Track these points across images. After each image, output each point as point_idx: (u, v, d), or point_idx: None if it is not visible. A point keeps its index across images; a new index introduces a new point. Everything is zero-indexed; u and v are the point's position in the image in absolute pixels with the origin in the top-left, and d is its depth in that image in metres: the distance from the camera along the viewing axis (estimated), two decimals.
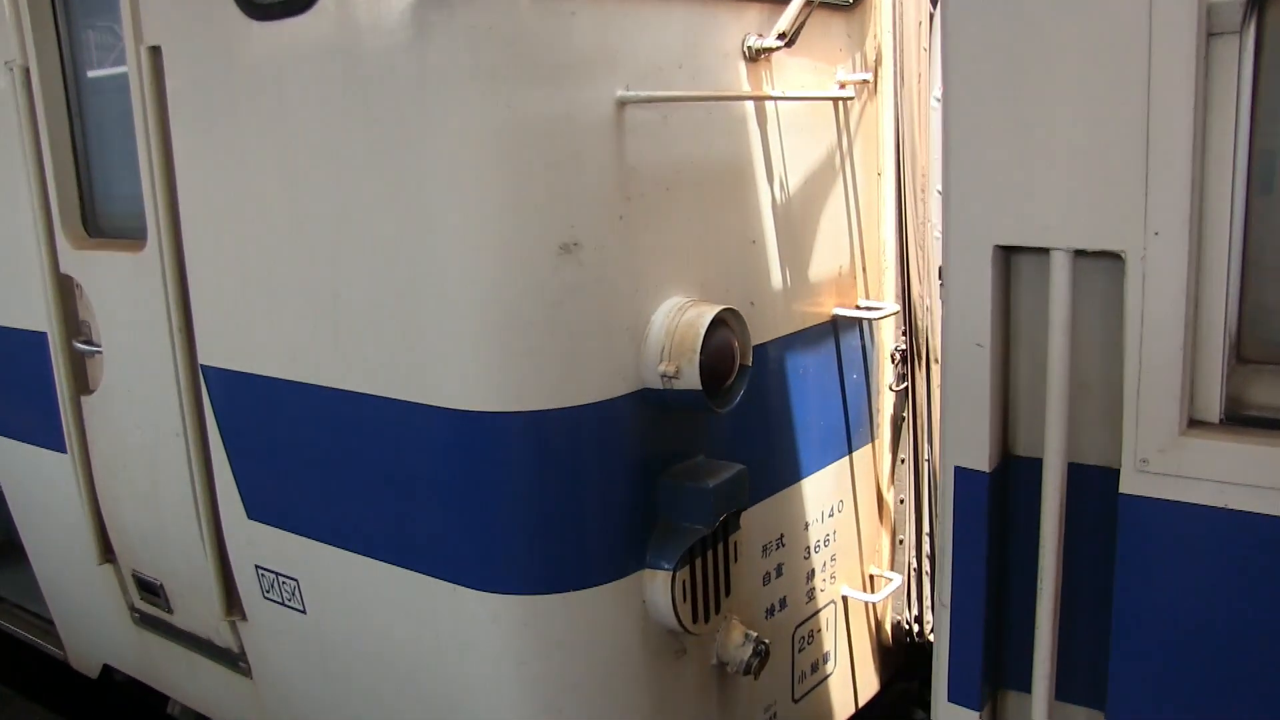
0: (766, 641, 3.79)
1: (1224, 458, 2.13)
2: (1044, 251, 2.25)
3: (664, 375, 3.31)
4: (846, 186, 4.09)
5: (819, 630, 4.34)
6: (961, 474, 2.44)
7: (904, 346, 4.31)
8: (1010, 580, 2.51)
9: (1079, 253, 2.21)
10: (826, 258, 4.06)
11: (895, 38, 4.02)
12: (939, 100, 4.01)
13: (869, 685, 4.69)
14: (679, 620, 3.47)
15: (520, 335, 3.16)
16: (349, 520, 3.65)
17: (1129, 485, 2.22)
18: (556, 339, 3.20)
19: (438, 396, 3.26)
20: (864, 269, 4.24)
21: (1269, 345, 2.19)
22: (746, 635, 3.79)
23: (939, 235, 4.12)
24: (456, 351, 3.21)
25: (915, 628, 4.56)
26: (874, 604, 4.58)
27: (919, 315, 4.19)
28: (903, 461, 4.45)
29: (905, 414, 4.41)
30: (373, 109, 3.17)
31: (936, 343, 4.19)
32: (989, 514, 2.43)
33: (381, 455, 3.47)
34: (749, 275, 3.74)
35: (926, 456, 4.32)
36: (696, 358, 3.28)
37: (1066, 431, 2.29)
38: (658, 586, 3.47)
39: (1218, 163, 2.09)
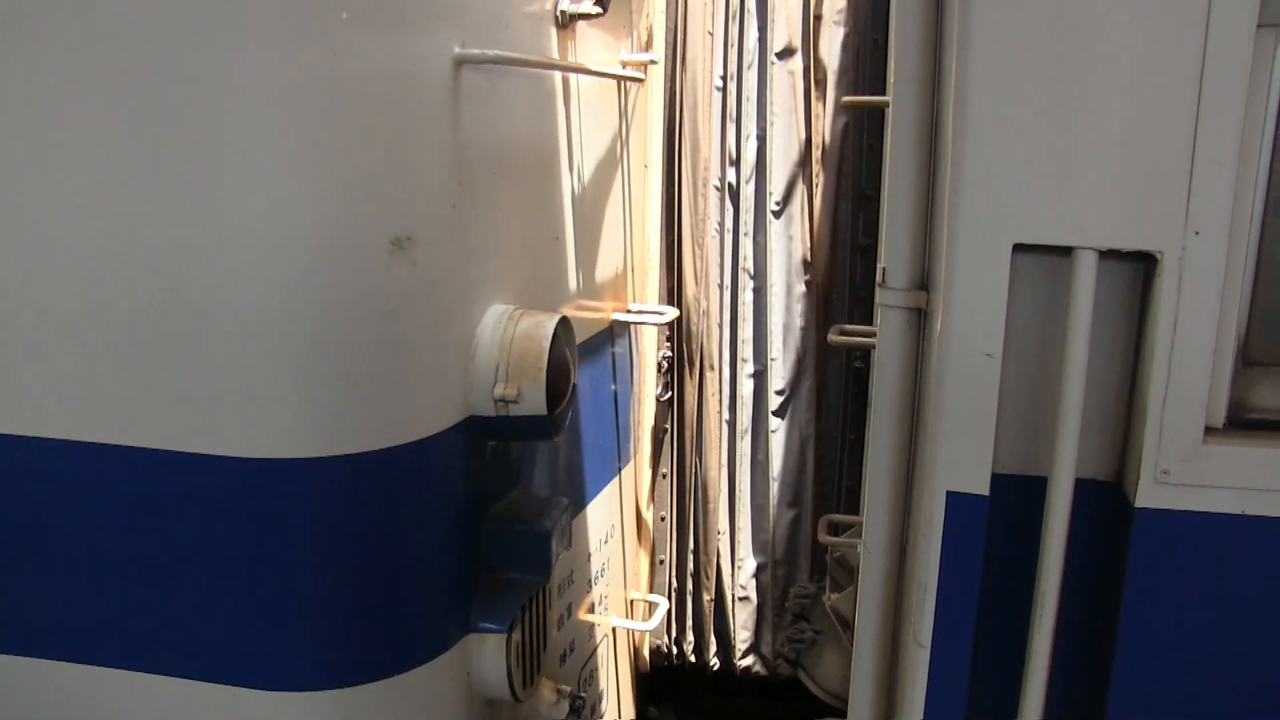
0: (582, 695, 3.32)
1: (1243, 464, 2.06)
2: (1063, 252, 2.06)
3: (501, 399, 2.74)
4: (624, 178, 3.71)
5: (596, 668, 3.93)
6: (955, 499, 2.19)
7: (670, 354, 4.02)
8: (989, 610, 2.30)
9: (1104, 253, 2.04)
10: (609, 258, 3.66)
11: (675, 18, 3.70)
12: (719, 88, 3.76)
13: (628, 715, 4.35)
14: (512, 688, 2.90)
15: (344, 355, 2.43)
16: (52, 618, 2.63)
17: (1147, 498, 2.09)
18: (384, 359, 2.50)
19: (213, 442, 2.43)
20: (633, 270, 3.89)
21: (1274, 346, 2.16)
22: (559, 692, 3.29)
23: (715, 232, 3.88)
24: (249, 380, 2.40)
25: (675, 650, 4.30)
26: (636, 632, 4.25)
27: (693, 320, 3.92)
28: (664, 476, 4.16)
29: (667, 426, 4.12)
30: (126, 53, 2.26)
31: (712, 349, 3.94)
32: (986, 542, 2.20)
33: (113, 525, 2.53)
34: (553, 277, 3.24)
35: (696, 470, 4.06)
36: (542, 377, 2.74)
37: (1078, 446, 2.11)
38: (488, 653, 2.87)
39: (1245, 158, 2.01)
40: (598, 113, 3.44)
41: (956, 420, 2.15)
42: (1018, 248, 2.08)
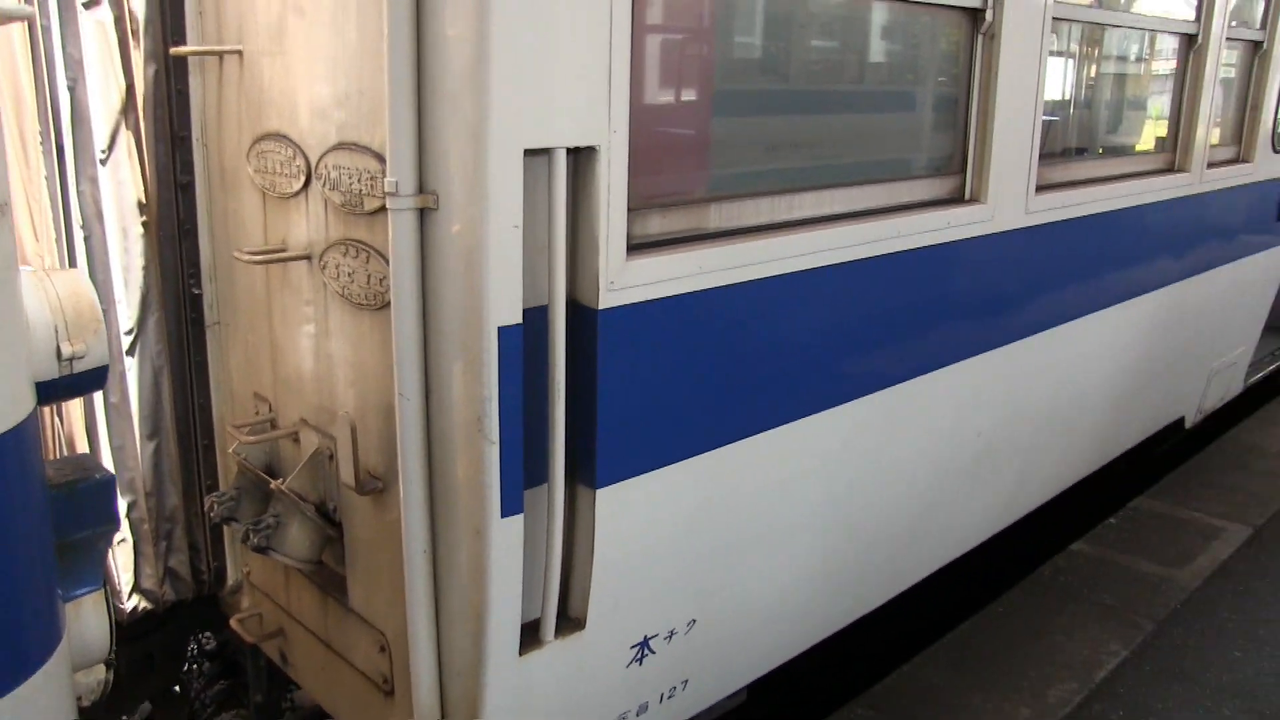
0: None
1: (641, 269, 3.39)
2: (544, 152, 3.07)
3: (70, 358, 2.74)
4: None
5: None
6: (504, 331, 3.06)
7: None
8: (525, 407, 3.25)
9: (569, 150, 3.11)
10: None
11: None
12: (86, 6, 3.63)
13: None
14: (112, 645, 2.95)
15: None
16: None
17: (605, 302, 3.27)
18: (7, 329, 2.41)
19: None
20: None
21: (643, 197, 3.46)
22: None
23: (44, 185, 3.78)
24: None
25: None
26: None
27: None
28: None
29: None
30: None
31: None
32: (524, 355, 3.14)
33: None
34: None
35: (59, 431, 3.96)
36: (102, 329, 2.84)
37: (566, 279, 3.20)
38: (88, 615, 2.89)
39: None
40: None
41: (499, 273, 3.02)
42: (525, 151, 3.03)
